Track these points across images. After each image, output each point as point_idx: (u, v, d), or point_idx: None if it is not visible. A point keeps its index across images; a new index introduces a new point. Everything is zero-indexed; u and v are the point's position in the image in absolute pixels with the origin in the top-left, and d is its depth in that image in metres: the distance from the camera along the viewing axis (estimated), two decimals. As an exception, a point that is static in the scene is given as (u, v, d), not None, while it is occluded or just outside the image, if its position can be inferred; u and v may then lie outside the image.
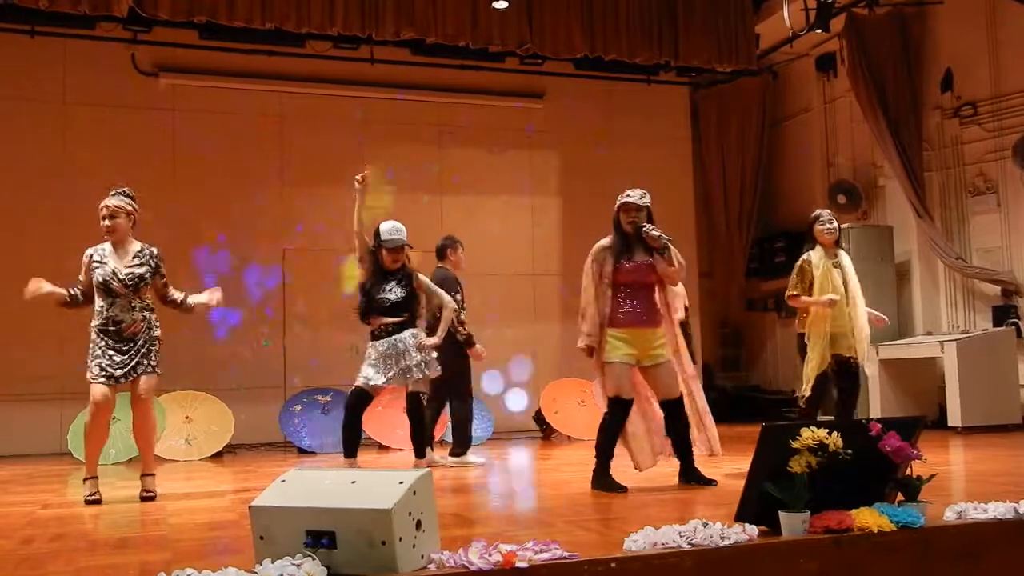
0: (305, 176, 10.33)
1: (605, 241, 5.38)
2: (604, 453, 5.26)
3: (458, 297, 7.05)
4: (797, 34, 10.32)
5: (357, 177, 5.96)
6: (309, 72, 10.36)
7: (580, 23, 9.92)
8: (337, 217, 10.23)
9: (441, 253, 7.44)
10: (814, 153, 11.58)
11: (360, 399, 5.72)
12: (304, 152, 10.34)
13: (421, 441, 5.87)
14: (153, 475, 5.57)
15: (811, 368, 6.00)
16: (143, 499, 5.39)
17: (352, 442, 5.77)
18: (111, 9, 8.50)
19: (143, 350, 5.42)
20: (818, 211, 6.30)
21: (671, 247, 5.33)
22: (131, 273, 5.40)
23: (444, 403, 7.37)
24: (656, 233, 5.29)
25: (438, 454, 7.33)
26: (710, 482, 5.32)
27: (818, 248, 6.12)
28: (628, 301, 5.25)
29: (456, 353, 7.08)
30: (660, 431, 5.45)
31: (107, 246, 5.49)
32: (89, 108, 9.65)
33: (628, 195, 5.33)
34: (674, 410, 5.37)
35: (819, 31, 9.97)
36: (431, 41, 9.63)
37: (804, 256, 6.12)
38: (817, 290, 5.98)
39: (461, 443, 7.20)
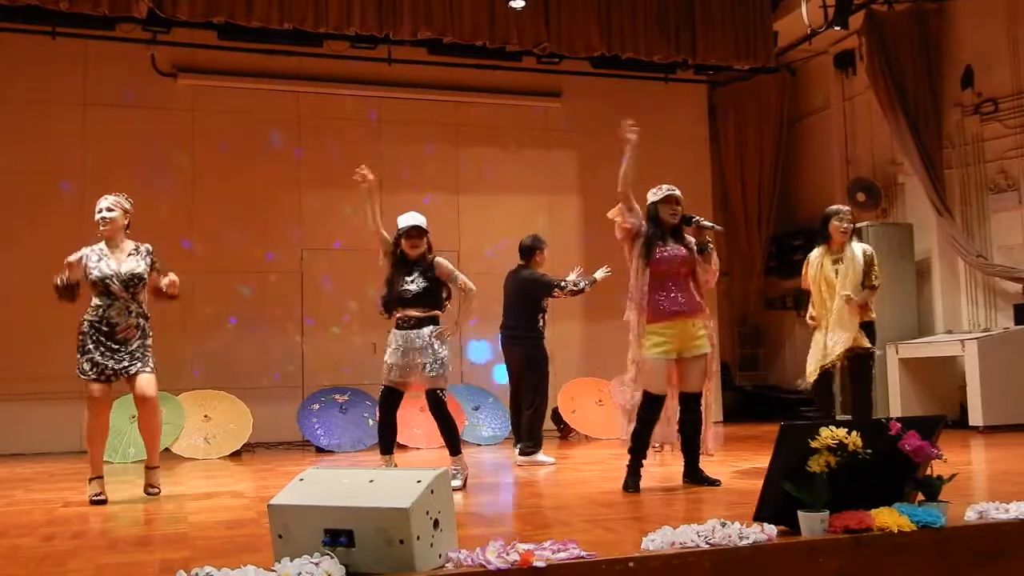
0: (322, 175, 10.35)
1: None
2: (636, 452, 5.24)
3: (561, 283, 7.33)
4: (816, 31, 10.26)
5: (357, 175, 5.94)
6: (327, 72, 10.39)
7: (597, 22, 9.91)
8: (355, 216, 10.25)
9: (528, 253, 7.51)
10: (833, 151, 11.51)
11: (388, 396, 5.72)
12: (322, 152, 10.38)
13: (454, 439, 5.80)
14: (158, 467, 5.64)
15: (810, 357, 6.27)
16: (148, 493, 5.47)
17: (386, 440, 5.77)
18: (131, 10, 8.57)
19: (137, 353, 5.41)
20: (836, 206, 6.40)
21: (711, 247, 5.38)
22: (131, 272, 5.39)
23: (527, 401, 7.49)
24: (710, 225, 5.38)
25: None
26: (714, 482, 5.30)
27: (821, 247, 6.25)
28: (667, 291, 5.22)
29: (539, 353, 7.37)
30: (670, 422, 5.41)
31: (103, 245, 5.48)
32: (109, 109, 9.71)
33: (671, 188, 5.36)
34: (692, 405, 5.35)
35: (838, 28, 9.91)
36: (448, 41, 9.63)
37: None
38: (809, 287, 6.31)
39: (531, 440, 7.29)
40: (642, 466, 5.25)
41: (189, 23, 9.04)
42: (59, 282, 5.32)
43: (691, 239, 5.42)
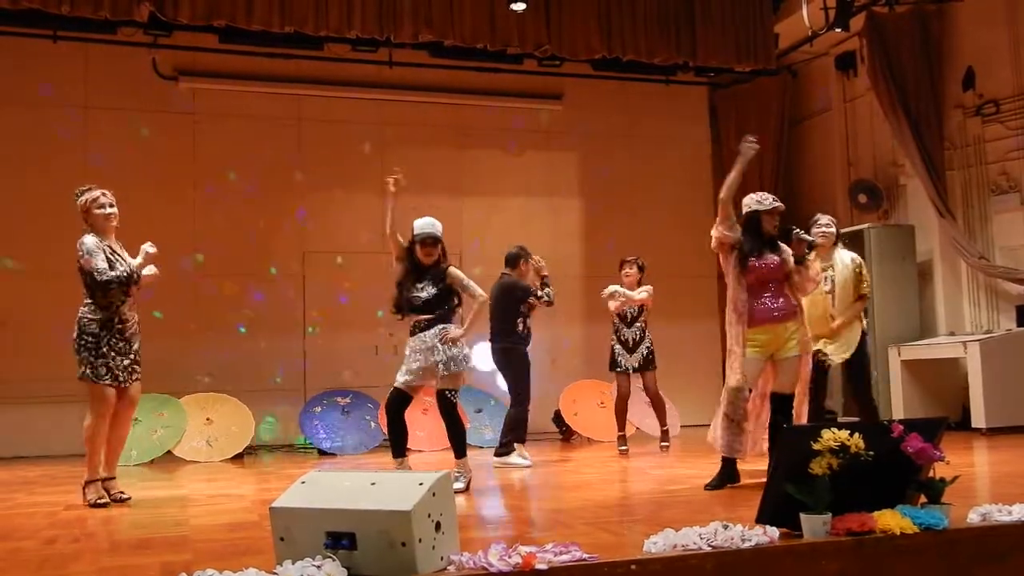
0: (324, 178, 10.37)
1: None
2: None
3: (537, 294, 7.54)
4: (816, 33, 10.26)
5: (389, 180, 5.98)
6: (327, 75, 10.40)
7: (598, 24, 9.91)
8: (356, 219, 10.26)
9: (513, 262, 7.74)
10: (834, 152, 11.49)
11: (394, 399, 5.72)
12: (323, 155, 10.38)
13: (460, 442, 5.79)
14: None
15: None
16: (120, 499, 5.31)
17: (396, 442, 5.77)
18: (132, 14, 8.58)
19: (137, 355, 5.41)
20: (817, 215, 6.54)
21: (810, 257, 5.48)
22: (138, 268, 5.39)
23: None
24: (810, 238, 5.53)
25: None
26: None
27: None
28: (763, 298, 5.33)
29: (518, 355, 7.49)
30: (764, 425, 5.47)
31: (108, 242, 5.41)
32: (110, 112, 9.71)
33: (776, 200, 5.50)
34: (783, 406, 5.40)
35: (839, 30, 9.90)
36: (449, 43, 9.64)
37: None
38: None
39: (516, 440, 7.38)
40: (734, 465, 5.34)
41: (190, 26, 9.05)
42: (131, 274, 5.27)
43: (787, 249, 5.49)
